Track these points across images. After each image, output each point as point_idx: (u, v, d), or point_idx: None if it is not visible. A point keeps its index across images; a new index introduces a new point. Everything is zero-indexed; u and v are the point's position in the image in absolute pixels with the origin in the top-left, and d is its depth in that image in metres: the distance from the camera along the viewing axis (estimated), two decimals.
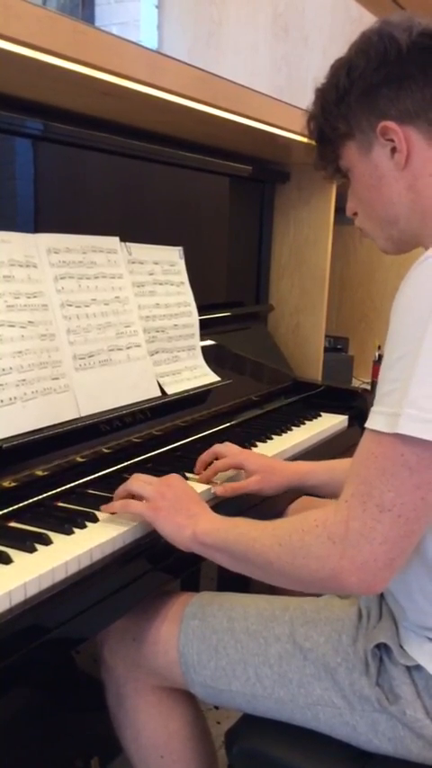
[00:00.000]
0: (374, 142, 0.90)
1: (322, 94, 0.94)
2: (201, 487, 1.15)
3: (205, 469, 1.21)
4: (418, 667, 0.87)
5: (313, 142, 0.99)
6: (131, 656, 1.05)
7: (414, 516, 0.76)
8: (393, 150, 0.88)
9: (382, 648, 0.91)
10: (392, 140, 0.88)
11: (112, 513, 1.01)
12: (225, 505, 1.13)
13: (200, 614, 1.03)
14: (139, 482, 1.02)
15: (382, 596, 0.97)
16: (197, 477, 1.20)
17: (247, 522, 0.93)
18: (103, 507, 1.02)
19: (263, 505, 1.23)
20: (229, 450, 1.23)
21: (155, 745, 1.07)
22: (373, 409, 0.79)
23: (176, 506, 0.98)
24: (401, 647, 0.89)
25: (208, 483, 1.18)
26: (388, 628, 0.91)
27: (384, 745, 0.90)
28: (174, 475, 1.06)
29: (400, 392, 0.75)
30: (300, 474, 1.22)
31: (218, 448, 1.23)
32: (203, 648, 1.00)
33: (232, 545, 0.91)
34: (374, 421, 0.78)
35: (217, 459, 1.22)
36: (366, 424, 0.79)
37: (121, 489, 1.04)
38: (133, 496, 1.03)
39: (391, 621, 0.92)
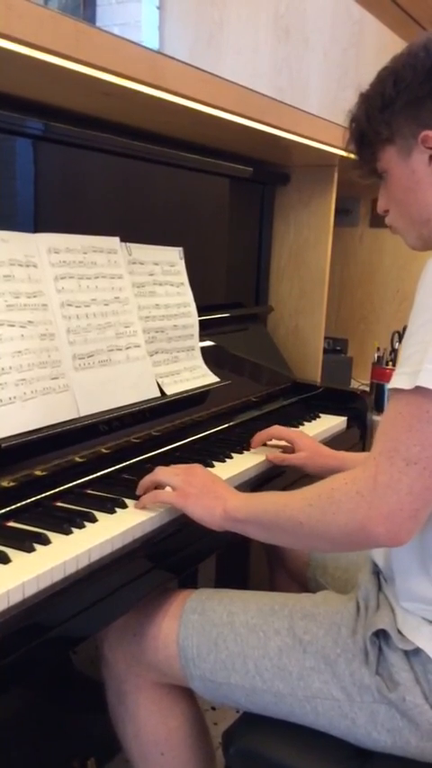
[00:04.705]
0: (414, 149, 0.96)
1: (367, 100, 1.00)
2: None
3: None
4: (417, 652, 0.89)
5: (352, 150, 1.06)
6: (132, 652, 1.06)
7: None
8: (431, 158, 0.95)
9: (380, 636, 0.92)
10: (431, 148, 0.95)
11: (142, 508, 1.04)
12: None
13: (200, 609, 1.03)
14: (164, 473, 1.06)
15: (379, 585, 0.99)
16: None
17: (274, 493, 0.99)
18: (135, 504, 1.05)
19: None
20: (283, 428, 1.38)
21: (155, 741, 1.07)
22: (396, 371, 0.84)
23: (204, 490, 1.03)
24: (399, 631, 0.91)
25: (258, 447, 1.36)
26: (386, 615, 0.93)
27: (383, 738, 0.91)
28: (196, 464, 1.11)
29: (421, 353, 0.81)
30: (339, 460, 1.32)
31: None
32: (203, 642, 1.01)
33: (262, 515, 0.96)
34: (397, 381, 0.83)
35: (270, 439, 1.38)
36: (389, 385, 0.84)
37: (147, 480, 1.07)
38: (156, 487, 1.07)
39: (389, 609, 0.94)
